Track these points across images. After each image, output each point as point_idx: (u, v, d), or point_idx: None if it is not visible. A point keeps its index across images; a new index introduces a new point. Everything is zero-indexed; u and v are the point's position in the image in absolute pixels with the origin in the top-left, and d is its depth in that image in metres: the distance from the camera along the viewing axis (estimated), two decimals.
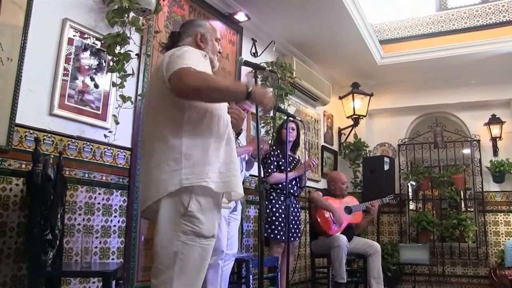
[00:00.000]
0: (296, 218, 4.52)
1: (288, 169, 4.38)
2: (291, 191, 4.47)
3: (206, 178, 1.95)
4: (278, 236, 4.25)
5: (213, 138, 2.03)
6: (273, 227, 4.25)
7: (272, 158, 4.38)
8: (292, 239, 4.43)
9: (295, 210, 4.52)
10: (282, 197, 4.34)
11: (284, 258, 4.24)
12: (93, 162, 3.26)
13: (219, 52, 2.40)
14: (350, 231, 5.08)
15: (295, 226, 4.49)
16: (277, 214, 4.27)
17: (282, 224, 4.28)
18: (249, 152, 3.71)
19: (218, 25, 4.72)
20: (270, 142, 4.46)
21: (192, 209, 1.93)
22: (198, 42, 2.28)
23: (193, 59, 2.01)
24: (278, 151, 4.43)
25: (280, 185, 4.37)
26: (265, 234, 4.23)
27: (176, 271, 1.90)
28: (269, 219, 4.26)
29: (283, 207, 4.29)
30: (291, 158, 4.61)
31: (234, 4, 4.83)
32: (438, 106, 7.44)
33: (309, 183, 5.92)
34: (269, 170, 4.33)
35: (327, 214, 4.97)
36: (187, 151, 1.96)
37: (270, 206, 4.30)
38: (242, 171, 3.67)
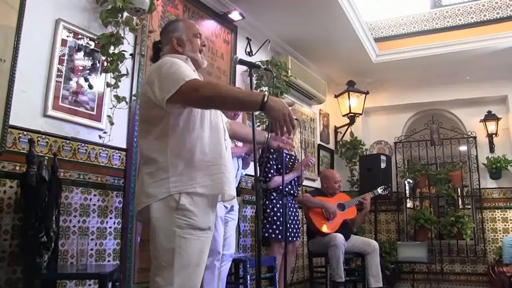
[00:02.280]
0: (295, 217, 4.49)
1: (287, 171, 4.38)
2: (291, 191, 4.45)
3: (194, 184, 1.98)
4: (280, 236, 4.23)
5: (199, 143, 2.04)
6: (274, 227, 4.23)
7: (271, 162, 4.35)
8: (293, 239, 4.41)
9: (294, 209, 4.50)
10: (285, 199, 4.32)
11: (282, 258, 4.22)
12: (88, 163, 3.24)
13: (204, 45, 2.35)
14: (347, 229, 5.06)
15: (295, 226, 4.47)
16: (278, 214, 4.25)
17: (279, 224, 4.26)
18: (244, 152, 3.69)
19: (212, 25, 4.70)
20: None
21: (184, 203, 1.94)
22: (175, 47, 2.26)
23: (184, 70, 2.02)
24: (276, 154, 4.39)
25: (280, 187, 4.34)
26: (266, 234, 4.22)
27: (175, 267, 1.90)
28: (269, 219, 4.24)
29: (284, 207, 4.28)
30: (288, 156, 4.58)
31: (228, 3, 4.81)
32: (434, 103, 7.46)
33: (305, 182, 5.90)
34: (270, 175, 4.30)
35: (319, 213, 4.96)
36: (173, 160, 1.99)
37: (271, 206, 4.28)
38: (238, 169, 3.65)
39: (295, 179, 4.52)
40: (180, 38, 2.27)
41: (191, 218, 1.95)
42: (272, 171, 4.33)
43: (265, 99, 1.89)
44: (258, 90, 5.00)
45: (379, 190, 5.49)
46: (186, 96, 1.94)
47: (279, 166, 4.35)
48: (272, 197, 4.32)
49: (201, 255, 1.99)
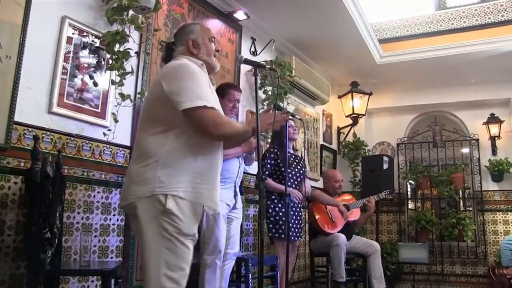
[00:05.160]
0: (298, 217, 4.49)
1: (289, 169, 4.37)
2: (293, 186, 4.43)
3: (177, 188, 1.99)
4: (283, 235, 4.23)
5: (193, 149, 2.07)
6: (277, 226, 4.23)
7: (267, 160, 4.32)
8: (295, 238, 4.41)
9: (297, 209, 4.49)
10: (288, 199, 4.30)
11: (284, 257, 4.22)
12: (92, 161, 3.25)
13: (217, 51, 2.40)
14: (349, 230, 5.07)
15: (298, 225, 4.46)
16: (280, 214, 4.25)
17: (281, 223, 4.26)
18: (238, 153, 3.67)
19: (217, 24, 4.72)
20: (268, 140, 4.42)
21: (170, 207, 1.95)
22: (190, 49, 2.29)
23: (202, 86, 2.09)
24: (277, 151, 4.36)
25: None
26: (269, 234, 4.23)
27: (161, 268, 1.93)
28: (272, 219, 4.24)
29: (284, 207, 4.28)
30: (293, 156, 4.55)
31: (234, 3, 4.82)
32: (437, 105, 7.44)
33: (306, 182, 5.91)
34: (263, 176, 4.26)
35: (324, 212, 4.97)
36: (165, 160, 2.01)
37: (272, 206, 4.27)
38: (239, 166, 3.66)
39: (299, 180, 4.47)
40: (196, 40, 2.30)
41: (177, 222, 1.96)
42: (265, 169, 4.31)
43: (254, 132, 2.21)
44: (262, 90, 5.01)
45: (384, 194, 5.50)
46: (200, 123, 2.04)
47: (281, 165, 4.32)
48: (274, 196, 4.32)
49: (186, 259, 2.00)
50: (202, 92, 2.06)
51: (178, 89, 2.02)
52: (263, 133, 2.48)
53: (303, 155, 4.83)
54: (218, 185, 2.19)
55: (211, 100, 2.08)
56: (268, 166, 4.31)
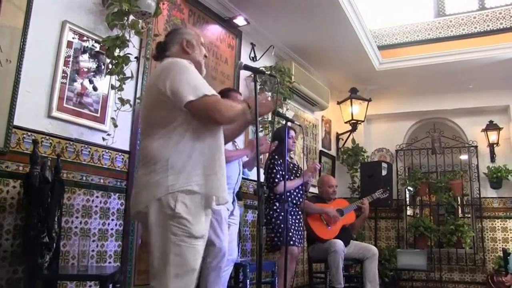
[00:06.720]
0: (300, 224, 4.48)
1: (292, 177, 4.38)
2: (294, 200, 4.44)
3: (190, 182, 2.02)
4: (291, 242, 4.22)
5: (199, 144, 2.09)
6: (283, 234, 4.22)
7: (277, 168, 4.34)
8: (299, 244, 4.40)
9: (298, 216, 4.49)
10: (286, 205, 4.31)
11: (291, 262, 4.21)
12: (91, 165, 3.25)
13: (205, 56, 2.44)
14: (346, 234, 5.05)
15: (299, 232, 4.45)
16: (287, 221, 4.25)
17: (293, 231, 4.29)
18: (245, 155, 3.70)
19: (217, 29, 4.73)
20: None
21: (179, 211, 1.97)
22: (185, 48, 2.33)
23: (196, 76, 2.13)
24: (281, 161, 4.39)
25: (283, 195, 4.34)
26: (278, 242, 4.22)
27: (170, 273, 1.93)
28: (276, 227, 4.24)
29: (289, 214, 4.28)
30: (292, 164, 4.59)
31: (234, 9, 4.83)
32: (436, 112, 7.47)
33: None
34: (276, 180, 4.29)
35: (318, 220, 4.96)
36: (173, 159, 2.03)
37: (276, 215, 4.27)
38: (239, 173, 3.65)
39: (301, 187, 4.51)
40: (191, 41, 2.36)
41: (186, 226, 1.98)
42: (278, 175, 4.32)
43: (250, 106, 2.25)
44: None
45: (377, 194, 5.49)
46: (204, 112, 2.05)
47: (283, 173, 4.35)
48: (275, 206, 4.31)
49: (195, 262, 2.01)
50: (198, 82, 2.10)
51: (175, 84, 2.04)
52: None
53: (297, 162, 4.85)
54: (225, 173, 2.21)
55: (208, 87, 2.11)
56: (281, 172, 4.33)
